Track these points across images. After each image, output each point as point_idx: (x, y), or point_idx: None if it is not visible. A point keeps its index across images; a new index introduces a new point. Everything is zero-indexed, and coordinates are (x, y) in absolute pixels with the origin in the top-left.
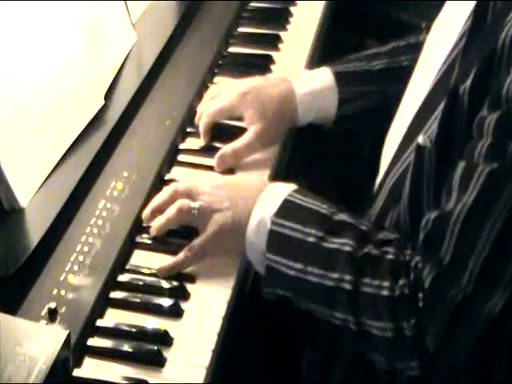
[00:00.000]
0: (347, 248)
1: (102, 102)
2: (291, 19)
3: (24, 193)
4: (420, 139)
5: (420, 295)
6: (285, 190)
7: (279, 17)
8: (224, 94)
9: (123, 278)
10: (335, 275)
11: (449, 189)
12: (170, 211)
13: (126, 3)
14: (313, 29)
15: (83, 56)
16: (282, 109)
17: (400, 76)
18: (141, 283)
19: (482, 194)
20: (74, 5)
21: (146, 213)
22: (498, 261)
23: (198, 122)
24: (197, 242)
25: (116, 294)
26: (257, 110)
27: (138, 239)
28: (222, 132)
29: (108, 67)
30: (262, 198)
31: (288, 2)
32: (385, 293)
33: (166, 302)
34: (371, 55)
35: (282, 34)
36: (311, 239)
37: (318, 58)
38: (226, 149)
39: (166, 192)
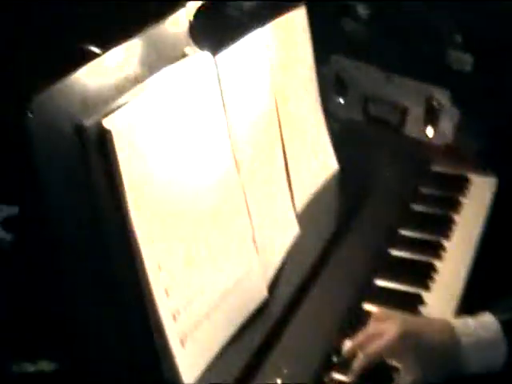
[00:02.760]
0: None
1: (265, 295)
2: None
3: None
4: None
5: None
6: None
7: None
8: (385, 331)
9: None
10: None
11: None
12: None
13: (292, 194)
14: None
15: (247, 247)
16: (443, 360)
17: None
18: None
19: None
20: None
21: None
22: None
23: (348, 354)
24: None
25: None
26: (415, 358)
27: None
28: None
29: (271, 258)
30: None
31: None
32: None
33: None
34: None
35: None
36: None
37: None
38: None
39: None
